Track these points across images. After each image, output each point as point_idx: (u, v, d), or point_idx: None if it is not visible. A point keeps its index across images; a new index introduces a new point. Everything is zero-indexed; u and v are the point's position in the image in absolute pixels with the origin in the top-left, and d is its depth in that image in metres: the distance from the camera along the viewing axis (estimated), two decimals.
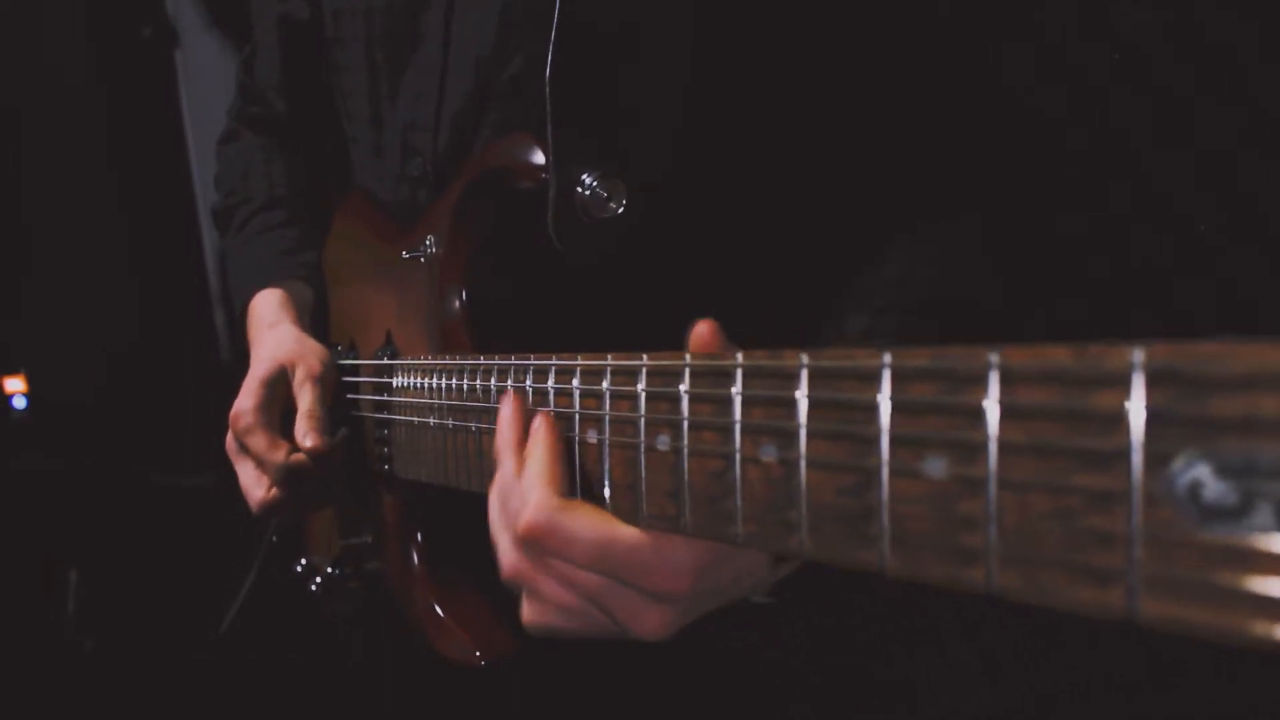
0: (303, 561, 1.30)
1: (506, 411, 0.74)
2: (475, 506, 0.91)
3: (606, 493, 0.68)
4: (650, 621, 0.66)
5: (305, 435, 1.09)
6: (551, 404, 0.74)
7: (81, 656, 2.49)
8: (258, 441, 1.10)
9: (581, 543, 0.64)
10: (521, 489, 0.69)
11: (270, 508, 1.12)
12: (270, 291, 1.27)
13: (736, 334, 0.66)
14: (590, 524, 0.65)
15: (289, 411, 1.13)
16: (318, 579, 1.22)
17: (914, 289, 0.88)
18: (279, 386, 1.14)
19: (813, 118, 0.93)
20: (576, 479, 0.71)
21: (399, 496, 1.10)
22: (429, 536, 1.09)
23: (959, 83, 0.95)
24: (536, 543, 0.66)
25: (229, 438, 1.15)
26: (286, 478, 1.08)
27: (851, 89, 0.92)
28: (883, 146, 0.93)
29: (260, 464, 1.11)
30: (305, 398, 1.12)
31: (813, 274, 0.91)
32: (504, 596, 1.05)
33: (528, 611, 0.72)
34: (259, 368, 1.15)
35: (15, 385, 2.67)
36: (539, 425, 0.71)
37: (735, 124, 0.90)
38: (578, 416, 0.71)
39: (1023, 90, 1.09)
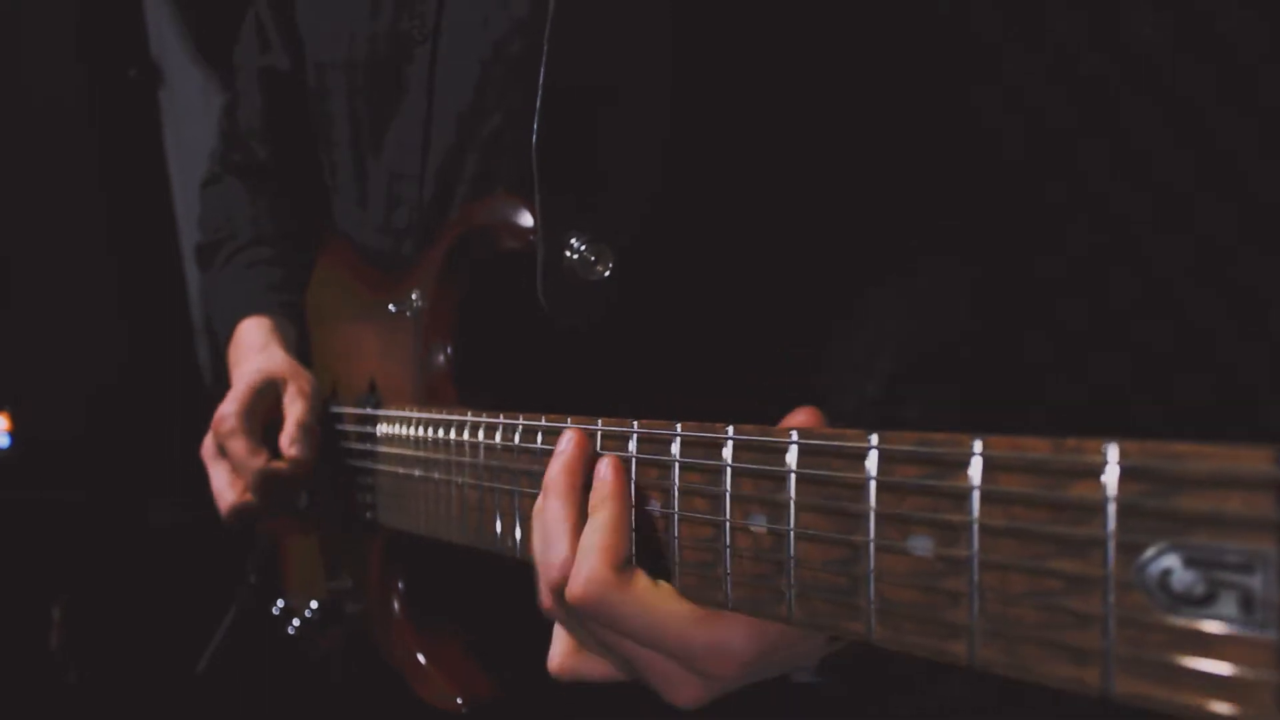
0: (280, 603, 1.30)
1: (567, 447, 0.68)
2: (457, 556, 0.92)
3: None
4: (687, 692, 0.64)
5: (292, 444, 1.10)
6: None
7: (65, 690, 2.48)
8: (238, 445, 1.10)
9: (631, 620, 0.62)
10: (565, 550, 0.65)
11: (240, 513, 1.12)
12: (258, 319, 1.28)
13: (724, 399, 0.69)
14: (643, 604, 0.62)
15: (271, 424, 1.14)
16: (295, 621, 1.22)
17: (904, 345, 0.90)
18: (266, 396, 1.15)
19: (800, 174, 0.95)
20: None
21: (381, 543, 1.11)
22: (410, 584, 1.10)
23: (938, 132, 0.98)
24: (583, 612, 0.63)
25: (208, 440, 1.16)
26: (261, 484, 1.09)
27: (834, 144, 0.95)
28: (864, 201, 0.95)
29: (237, 468, 1.12)
30: (297, 409, 1.13)
31: (800, 334, 0.93)
32: (484, 643, 1.07)
33: (557, 658, 0.71)
34: (248, 377, 1.15)
35: None
36: (608, 476, 0.66)
37: (719, 185, 0.93)
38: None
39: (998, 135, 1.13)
